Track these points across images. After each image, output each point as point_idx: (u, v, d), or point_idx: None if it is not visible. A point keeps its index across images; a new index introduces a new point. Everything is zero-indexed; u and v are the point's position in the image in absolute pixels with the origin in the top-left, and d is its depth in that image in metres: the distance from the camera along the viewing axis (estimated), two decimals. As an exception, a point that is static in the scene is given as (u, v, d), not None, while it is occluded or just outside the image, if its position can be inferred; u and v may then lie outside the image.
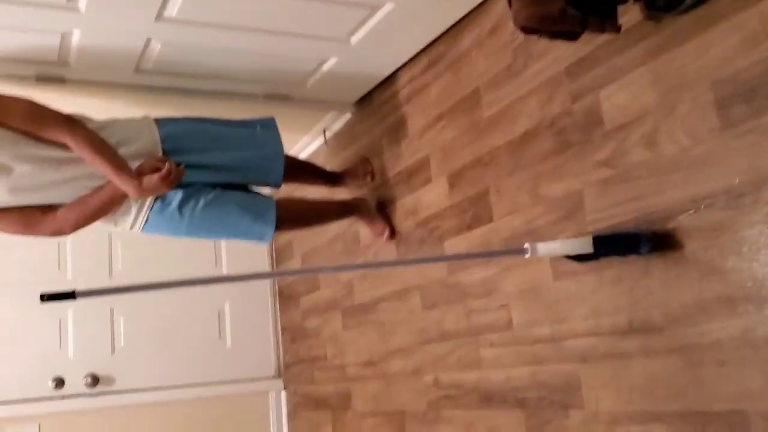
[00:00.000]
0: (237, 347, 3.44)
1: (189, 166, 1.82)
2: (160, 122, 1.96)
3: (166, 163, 1.71)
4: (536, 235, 1.79)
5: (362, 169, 2.59)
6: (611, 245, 1.47)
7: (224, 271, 3.51)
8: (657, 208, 1.46)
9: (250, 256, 3.54)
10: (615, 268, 1.56)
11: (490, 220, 1.97)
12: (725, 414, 1.31)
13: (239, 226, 2.04)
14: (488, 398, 1.97)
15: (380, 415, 2.55)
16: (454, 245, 2.14)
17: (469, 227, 2.06)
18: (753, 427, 1.26)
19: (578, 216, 1.66)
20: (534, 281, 1.80)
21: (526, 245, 1.53)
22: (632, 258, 1.50)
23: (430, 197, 2.26)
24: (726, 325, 1.32)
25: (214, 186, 2.01)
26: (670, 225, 1.43)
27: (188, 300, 3.36)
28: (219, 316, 3.45)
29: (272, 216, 2.05)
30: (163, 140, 1.91)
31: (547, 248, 1.51)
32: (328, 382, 2.99)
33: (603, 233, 1.54)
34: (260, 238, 2.09)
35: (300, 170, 2.53)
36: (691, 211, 1.39)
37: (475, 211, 2.04)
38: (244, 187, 2.14)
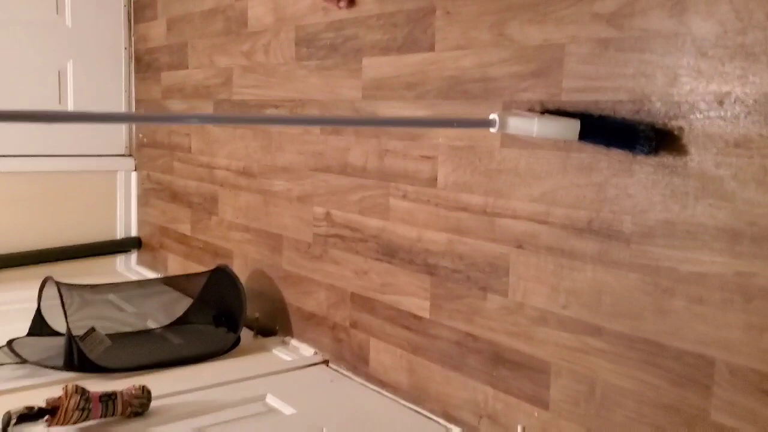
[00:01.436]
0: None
1: None
2: None
3: None
4: (490, 86, 1.45)
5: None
6: (601, 133, 1.17)
7: (68, 23, 2.84)
8: (666, 96, 1.15)
9: (100, 9, 2.90)
10: (587, 152, 1.27)
11: (431, 48, 1.58)
12: (687, 354, 1.15)
13: None
14: (391, 252, 1.73)
15: (252, 231, 2.26)
16: (373, 66, 1.74)
17: (400, 50, 1.66)
18: (717, 376, 1.11)
19: (552, 77, 1.32)
20: (474, 139, 1.49)
21: (493, 116, 1.18)
22: (614, 150, 1.22)
23: (352, -3, 1.79)
24: (717, 261, 1.10)
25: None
26: (678, 123, 1.14)
27: (22, 56, 2.72)
28: (59, 77, 2.85)
29: None
30: None
31: (522, 125, 1.18)
32: (189, 177, 2.61)
33: (590, 113, 1.23)
34: None
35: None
36: (712, 113, 1.10)
37: (411, 31, 1.63)
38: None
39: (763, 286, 1.05)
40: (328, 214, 1.93)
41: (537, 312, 1.39)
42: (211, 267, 2.27)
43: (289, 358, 1.99)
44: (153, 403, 1.61)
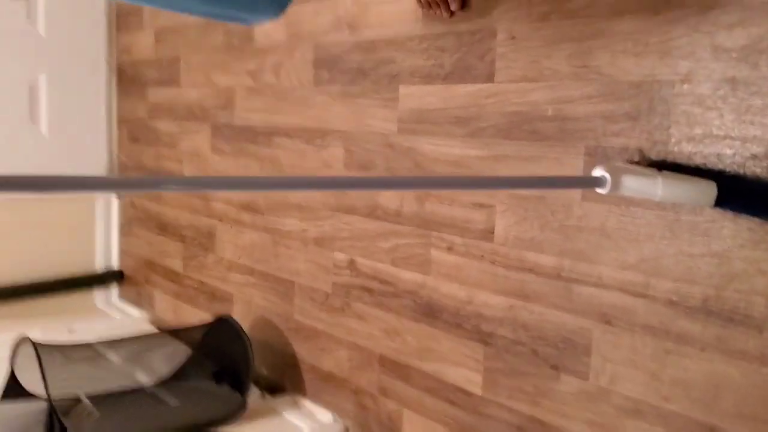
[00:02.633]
0: (56, 136, 2.61)
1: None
2: None
3: None
4: (568, 127, 1.21)
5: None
6: (742, 199, 0.94)
7: (41, 31, 2.54)
8: (821, 155, 0.92)
9: (78, 17, 2.61)
10: (702, 215, 1.04)
11: (489, 78, 1.34)
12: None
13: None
14: (432, 313, 1.48)
15: (258, 274, 1.99)
16: (413, 96, 1.49)
17: (447, 78, 1.41)
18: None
19: (656, 121, 1.09)
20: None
21: (601, 173, 0.94)
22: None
23: (392, 11, 1.54)
24: None
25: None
26: (837, 189, 0.91)
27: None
28: (31, 92, 2.55)
29: None
30: None
31: (641, 186, 0.94)
32: (182, 207, 2.33)
33: (721, 171, 0.99)
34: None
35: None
36: None
37: (464, 57, 1.38)
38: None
39: None
40: (352, 261, 1.68)
41: (629, 402, 1.15)
42: (207, 309, 2.00)
43: (303, 426, 1.73)
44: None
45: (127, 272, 2.70)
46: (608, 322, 1.17)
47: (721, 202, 0.94)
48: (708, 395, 1.05)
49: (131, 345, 2.02)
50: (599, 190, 0.94)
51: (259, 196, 1.97)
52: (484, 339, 1.37)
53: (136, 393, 1.90)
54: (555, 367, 1.25)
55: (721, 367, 1.03)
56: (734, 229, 1.00)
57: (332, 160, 1.71)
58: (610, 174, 0.93)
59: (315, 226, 1.77)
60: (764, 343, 0.99)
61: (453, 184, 0.95)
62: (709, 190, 0.93)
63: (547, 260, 1.25)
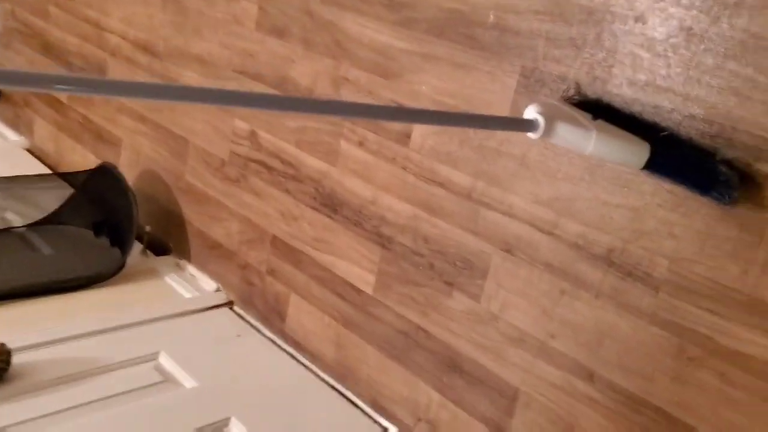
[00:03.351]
0: None
1: None
2: None
3: None
4: (508, 40, 1.10)
5: None
6: (672, 167, 0.89)
7: None
8: (761, 130, 0.88)
9: None
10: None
11: (431, -35, 1.19)
12: None
13: None
14: (333, 205, 1.41)
15: (150, 123, 1.83)
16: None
17: (385, -47, 1.25)
18: None
19: (602, 56, 1.00)
20: (471, 101, 1.16)
21: (535, 116, 0.86)
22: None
23: None
24: (764, 344, 0.90)
25: None
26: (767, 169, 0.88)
27: None
28: None
29: None
30: None
31: (574, 138, 0.87)
32: (70, 31, 2.08)
33: (654, 127, 0.93)
34: None
35: None
36: (817, 172, 0.84)
37: (406, -67, 1.22)
38: None
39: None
40: (253, 133, 1.56)
41: (515, 331, 1.15)
42: (92, 149, 1.84)
43: (186, 293, 1.67)
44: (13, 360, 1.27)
45: (4, 89, 2.44)
46: (509, 251, 1.14)
47: (651, 166, 0.89)
48: (593, 341, 1.06)
49: (2, 182, 1.86)
50: (530, 135, 0.87)
51: (159, 38, 1.77)
52: (383, 242, 1.33)
53: (4, 233, 1.77)
54: (449, 284, 1.23)
55: (611, 318, 1.04)
56: (655, 186, 0.97)
57: (243, 16, 1.53)
58: (545, 118, 0.86)
59: (217, 85, 1.62)
60: (658, 303, 0.99)
61: (363, 112, 0.84)
62: (641, 152, 0.87)
63: (460, 178, 1.19)
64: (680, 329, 0.97)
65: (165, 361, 1.41)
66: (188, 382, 1.36)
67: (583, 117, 0.89)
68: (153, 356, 1.42)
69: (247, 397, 1.34)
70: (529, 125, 0.86)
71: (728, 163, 0.88)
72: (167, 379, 1.37)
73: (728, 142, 0.90)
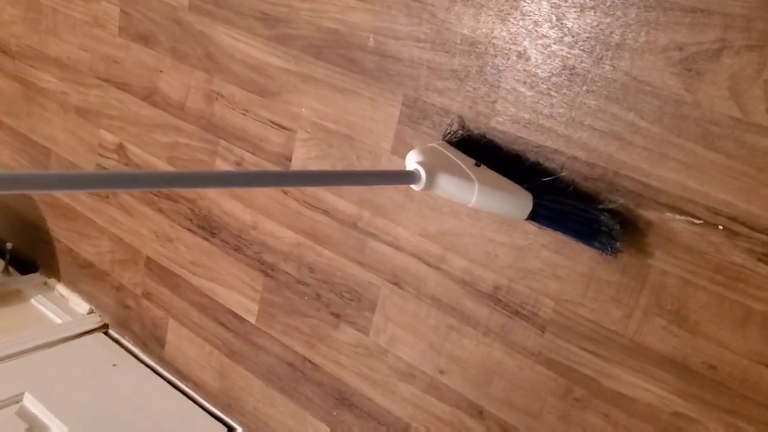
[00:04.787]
0: None
1: None
2: None
3: None
4: (389, 67, 1.04)
5: None
6: (555, 218, 0.86)
7: None
8: (642, 175, 0.86)
9: None
10: (511, 203, 0.96)
11: (306, -20, 1.10)
12: None
13: None
14: (210, 229, 1.32)
15: (7, 129, 1.66)
16: None
17: None
18: None
19: (486, 91, 0.96)
20: (353, 128, 1.10)
21: (417, 167, 0.81)
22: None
23: None
24: (652, 391, 0.90)
25: None
26: (648, 216, 0.87)
27: None
28: None
29: None
30: None
31: (456, 190, 0.82)
32: None
33: (540, 170, 0.90)
34: None
35: None
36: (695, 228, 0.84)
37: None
38: None
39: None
40: (121, 146, 1.43)
41: (404, 366, 1.12)
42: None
43: (56, 317, 1.54)
44: None
45: None
46: (397, 284, 1.10)
47: (534, 218, 0.86)
48: (481, 378, 1.04)
49: None
50: (413, 187, 0.82)
51: (10, 35, 1.59)
52: (266, 270, 1.26)
53: None
54: (336, 315, 1.18)
55: (498, 355, 1.02)
56: (539, 227, 0.95)
57: (105, 19, 1.39)
58: (426, 170, 0.81)
59: (78, 92, 1.47)
60: (544, 343, 0.97)
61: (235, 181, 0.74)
62: (524, 204, 0.84)
63: (345, 207, 1.13)
64: (566, 369, 0.96)
65: (30, 403, 1.29)
66: (57, 428, 1.25)
67: (466, 164, 0.85)
68: (16, 399, 1.30)
69: (123, 439, 1.26)
70: (411, 177, 0.81)
71: (611, 211, 0.87)
72: (33, 426, 1.26)
73: (611, 186, 0.88)
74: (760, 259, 0.80)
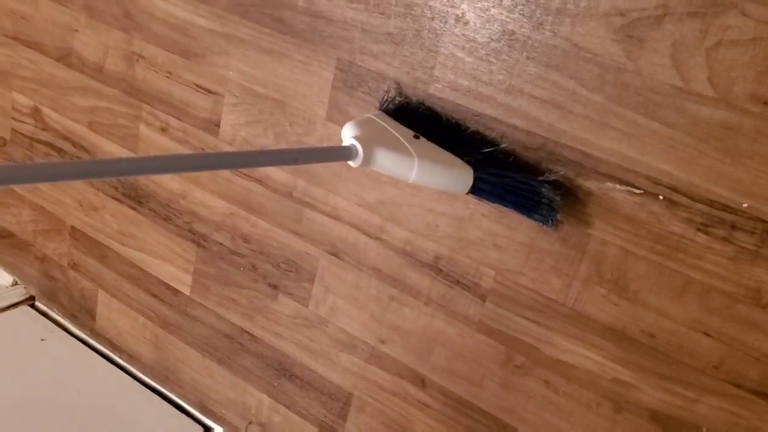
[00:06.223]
0: None
1: None
2: None
3: None
4: (322, 28, 0.99)
5: None
6: (496, 191, 0.84)
7: None
8: (582, 145, 0.85)
9: None
10: (450, 172, 0.94)
11: (229, -67, 1.02)
12: (530, 442, 0.98)
13: None
14: (137, 197, 1.26)
15: None
16: None
17: None
18: (559, 472, 0.97)
19: (424, 56, 0.92)
20: (285, 92, 1.05)
21: (353, 142, 0.77)
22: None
23: None
24: (592, 358, 0.91)
25: None
26: (588, 186, 0.86)
27: None
28: None
29: None
30: None
31: (396, 167, 0.79)
32: None
33: (480, 139, 0.87)
34: None
35: None
36: (634, 197, 0.83)
37: None
38: None
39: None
40: (36, 110, 1.34)
41: (345, 336, 1.10)
42: None
43: (-26, 292, 1.47)
44: None
45: None
46: (336, 255, 1.07)
47: (474, 191, 0.83)
48: (423, 347, 1.03)
49: None
50: (350, 163, 0.78)
51: None
52: (198, 240, 1.21)
53: None
54: (274, 287, 1.15)
55: (440, 324, 1.01)
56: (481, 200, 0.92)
57: (10, -29, 1.28)
58: (363, 146, 0.77)
59: None
60: (485, 312, 0.97)
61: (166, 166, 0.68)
62: (464, 178, 0.81)
63: (279, 175, 1.09)
64: (507, 338, 0.96)
65: (-48, 386, 1.23)
66: (-17, 410, 1.20)
67: (404, 137, 0.82)
68: (-64, 382, 1.23)
69: (59, 413, 1.21)
70: (347, 153, 0.77)
71: (551, 182, 0.85)
72: (-44, 409, 1.20)
73: (551, 156, 0.86)
74: (699, 229, 0.80)
